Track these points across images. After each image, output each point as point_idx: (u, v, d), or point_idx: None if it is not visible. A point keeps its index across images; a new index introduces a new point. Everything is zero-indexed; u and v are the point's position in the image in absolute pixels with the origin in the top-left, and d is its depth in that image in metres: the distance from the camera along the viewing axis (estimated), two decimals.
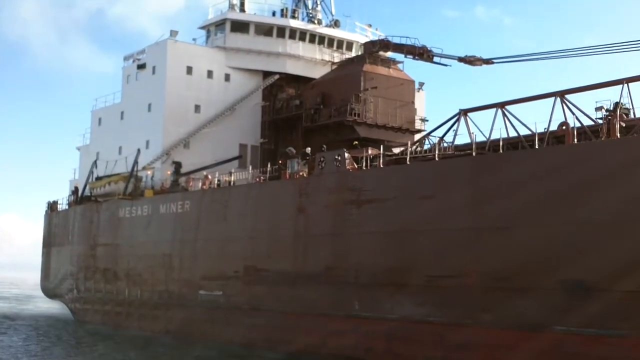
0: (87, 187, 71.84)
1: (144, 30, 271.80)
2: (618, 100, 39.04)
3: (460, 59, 57.81)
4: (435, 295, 39.91)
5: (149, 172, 65.35)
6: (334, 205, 45.97)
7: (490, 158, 40.16)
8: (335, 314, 44.95)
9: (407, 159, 43.54)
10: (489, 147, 41.34)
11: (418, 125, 65.28)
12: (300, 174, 49.58)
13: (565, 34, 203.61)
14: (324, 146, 51.03)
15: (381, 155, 45.27)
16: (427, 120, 66.50)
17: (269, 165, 52.70)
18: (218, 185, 56.80)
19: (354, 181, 45.16)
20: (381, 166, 44.95)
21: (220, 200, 54.70)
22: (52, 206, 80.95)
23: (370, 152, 46.12)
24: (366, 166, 45.73)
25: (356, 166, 46.24)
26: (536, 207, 36.23)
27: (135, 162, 64.28)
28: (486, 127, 42.42)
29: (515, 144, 40.62)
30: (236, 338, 51.34)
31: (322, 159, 47.50)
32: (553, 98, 39.85)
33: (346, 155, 46.14)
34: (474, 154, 40.50)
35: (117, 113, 73.18)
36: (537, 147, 38.05)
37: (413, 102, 65.20)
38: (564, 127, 37.54)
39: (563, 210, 35.42)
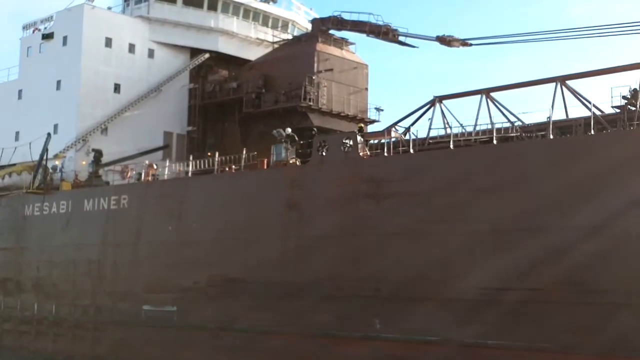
0: None
1: None
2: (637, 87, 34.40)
3: (438, 38, 51.41)
4: (494, 312, 32.10)
5: (57, 162, 54.37)
6: (342, 200, 37.16)
7: (586, 139, 32.61)
8: (347, 334, 36.22)
9: (450, 144, 35.42)
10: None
11: (373, 115, 58.03)
12: (291, 161, 40.40)
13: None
14: (314, 129, 42.41)
15: (410, 141, 36.92)
16: (382, 110, 59.07)
17: (244, 152, 43.08)
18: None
19: (371, 170, 36.57)
20: (411, 151, 36.61)
21: (173, 194, 44.55)
22: None
23: (394, 135, 37.78)
24: (388, 152, 37.27)
25: (368, 152, 37.84)
26: None
27: (45, 150, 52.92)
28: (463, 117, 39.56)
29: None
30: None
31: (322, 144, 38.60)
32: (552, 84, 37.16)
33: (359, 138, 37.48)
34: (551, 136, 33.05)
35: (14, 91, 61.45)
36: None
37: (367, 89, 58.23)
38: None
39: None
